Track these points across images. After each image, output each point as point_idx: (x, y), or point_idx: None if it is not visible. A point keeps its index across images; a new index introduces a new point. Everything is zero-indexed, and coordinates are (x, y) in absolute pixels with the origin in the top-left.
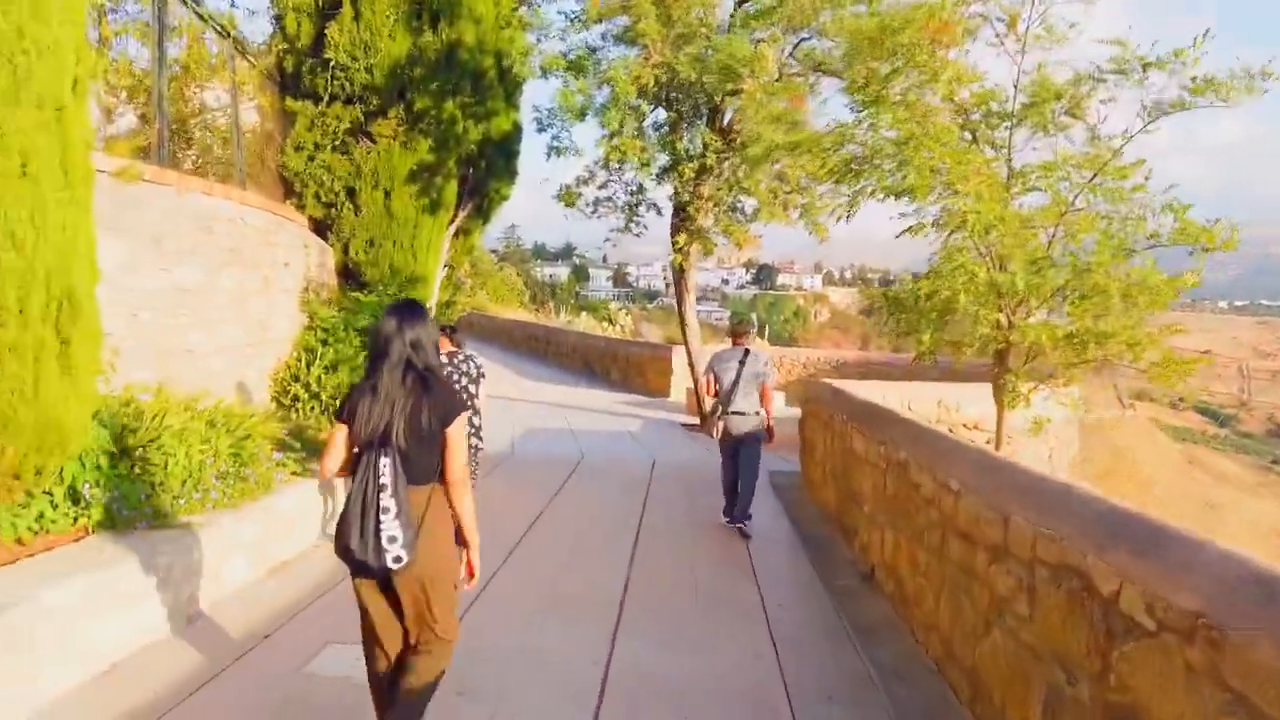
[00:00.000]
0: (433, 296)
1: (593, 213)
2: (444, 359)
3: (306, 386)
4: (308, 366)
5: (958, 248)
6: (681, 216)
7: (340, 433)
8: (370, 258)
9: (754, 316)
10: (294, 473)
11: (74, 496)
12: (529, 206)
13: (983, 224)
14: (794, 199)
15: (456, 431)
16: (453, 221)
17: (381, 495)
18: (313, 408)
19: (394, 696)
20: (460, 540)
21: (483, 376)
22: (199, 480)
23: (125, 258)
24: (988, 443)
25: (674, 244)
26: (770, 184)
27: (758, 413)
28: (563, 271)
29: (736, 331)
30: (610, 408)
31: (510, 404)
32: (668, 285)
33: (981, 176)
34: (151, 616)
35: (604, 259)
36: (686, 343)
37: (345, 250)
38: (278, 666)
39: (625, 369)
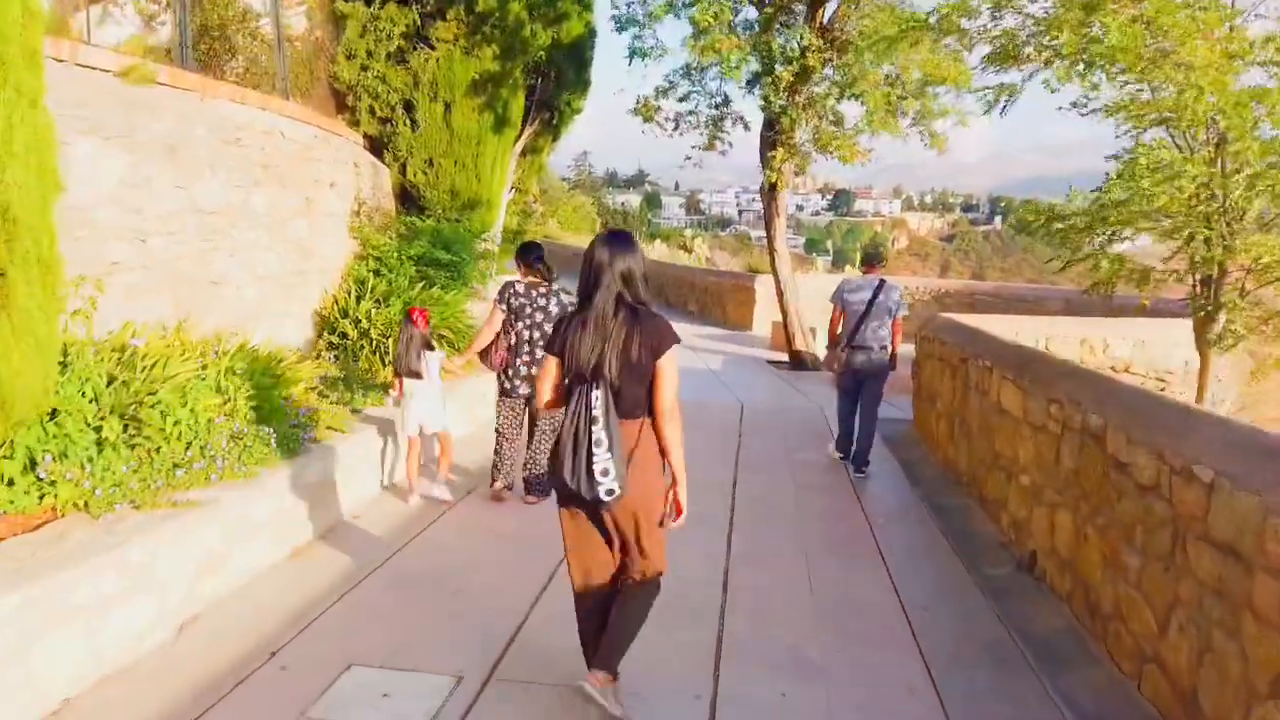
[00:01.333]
0: (498, 222)
1: (674, 129)
2: (522, 289)
3: (356, 323)
4: (357, 300)
5: (1158, 143)
6: (775, 129)
7: (552, 364)
8: (429, 179)
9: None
10: (329, 427)
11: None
12: (600, 132)
13: (1217, 105)
14: (909, 104)
15: (668, 364)
16: (519, 138)
17: (594, 428)
18: (362, 347)
19: (605, 623)
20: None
21: None
22: (205, 445)
23: (131, 172)
24: (1153, 386)
25: (767, 160)
26: (881, 89)
27: (884, 348)
28: (634, 199)
29: (871, 259)
30: (689, 341)
31: None
32: (741, 213)
33: (1213, 42)
34: (118, 631)
35: (676, 186)
36: (775, 271)
37: (402, 170)
38: (283, 703)
39: (704, 300)
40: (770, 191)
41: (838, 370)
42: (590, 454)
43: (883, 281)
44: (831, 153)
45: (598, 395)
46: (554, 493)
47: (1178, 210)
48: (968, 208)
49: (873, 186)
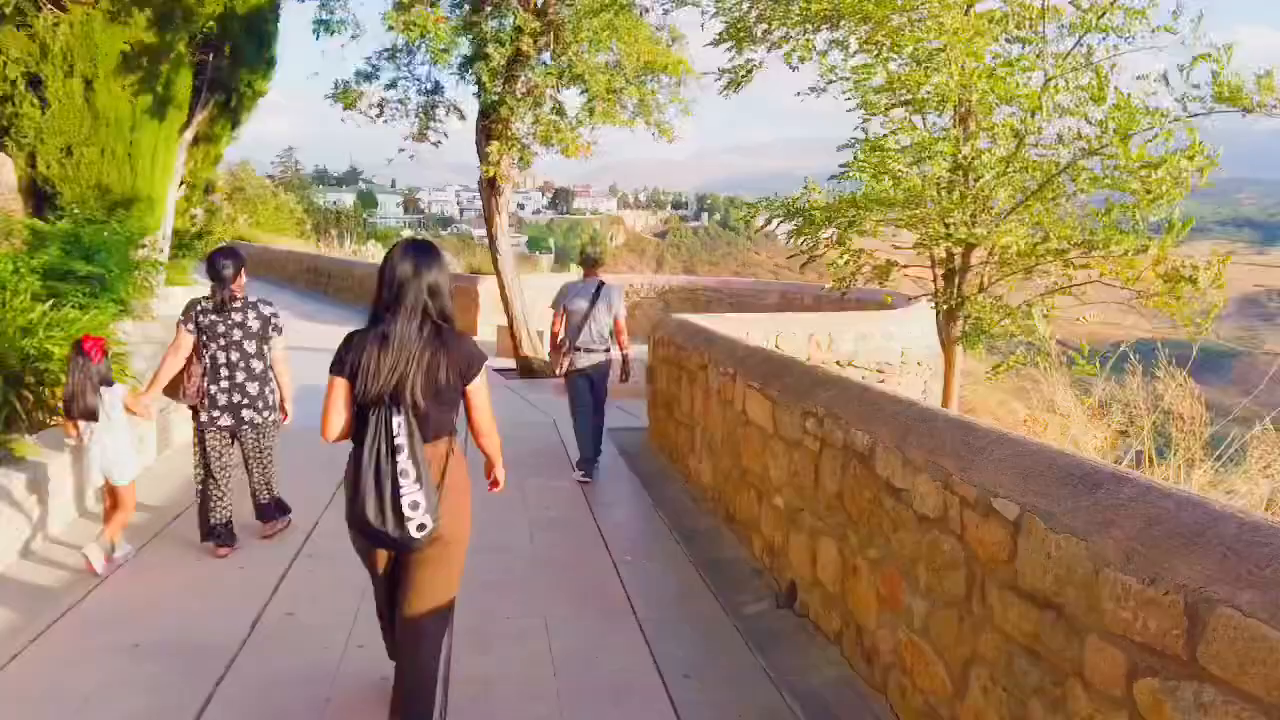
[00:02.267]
0: (164, 223)
1: (379, 116)
2: (212, 305)
3: None
4: None
5: (905, 125)
6: (491, 119)
7: (341, 387)
8: (67, 171)
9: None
10: None
11: None
12: (308, 127)
13: (969, 76)
14: (631, 92)
15: (481, 387)
16: (188, 124)
17: (398, 457)
18: None
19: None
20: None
21: (277, 329)
22: None
23: None
24: (873, 377)
25: (484, 153)
26: (601, 75)
27: (607, 350)
28: (348, 198)
29: (589, 261)
30: None
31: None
32: (462, 211)
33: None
34: None
35: (393, 184)
36: (499, 272)
37: (30, 162)
38: None
39: None
40: (490, 187)
41: (563, 374)
42: (397, 487)
43: (602, 283)
44: (553, 145)
45: (399, 421)
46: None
47: (925, 196)
48: (678, 205)
49: (590, 185)
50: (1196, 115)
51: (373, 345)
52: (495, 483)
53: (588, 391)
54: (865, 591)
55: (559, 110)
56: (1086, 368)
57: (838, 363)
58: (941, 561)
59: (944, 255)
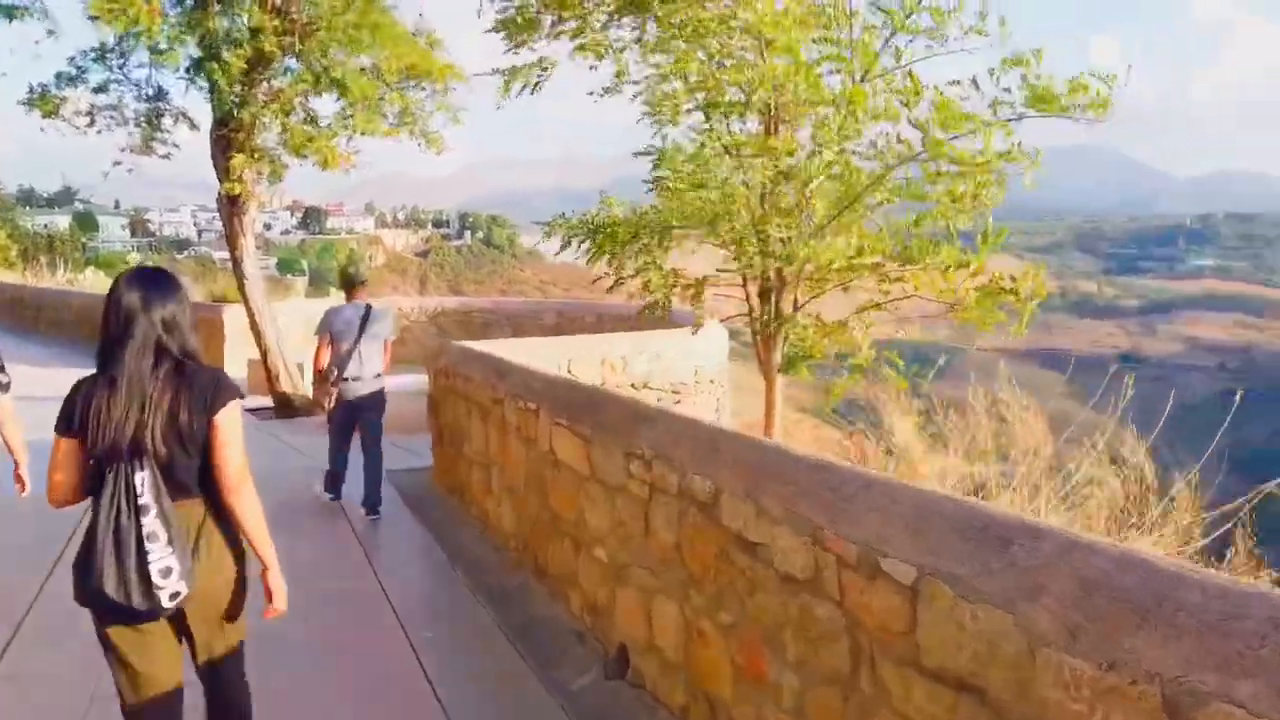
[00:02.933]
0: None
1: (89, 125)
2: None
3: None
4: None
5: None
6: (229, 128)
7: (66, 447)
8: None
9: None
10: None
11: None
12: (9, 144)
13: (784, 74)
14: (394, 99)
15: (229, 424)
16: None
17: (143, 518)
18: None
19: None
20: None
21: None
22: None
23: None
24: (662, 400)
25: (223, 169)
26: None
27: (378, 376)
28: (63, 220)
29: (351, 282)
30: None
31: None
32: (201, 233)
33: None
34: None
35: (116, 205)
36: (246, 299)
37: None
38: None
39: None
40: (231, 205)
41: (330, 406)
42: (144, 552)
43: (370, 306)
44: (308, 156)
45: (143, 476)
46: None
47: (739, 208)
48: (439, 224)
49: (344, 203)
50: (1009, 120)
51: (102, 392)
52: (270, 594)
53: (351, 426)
54: (717, 659)
55: (311, 119)
56: (899, 380)
57: (633, 385)
58: (817, 631)
59: (758, 272)
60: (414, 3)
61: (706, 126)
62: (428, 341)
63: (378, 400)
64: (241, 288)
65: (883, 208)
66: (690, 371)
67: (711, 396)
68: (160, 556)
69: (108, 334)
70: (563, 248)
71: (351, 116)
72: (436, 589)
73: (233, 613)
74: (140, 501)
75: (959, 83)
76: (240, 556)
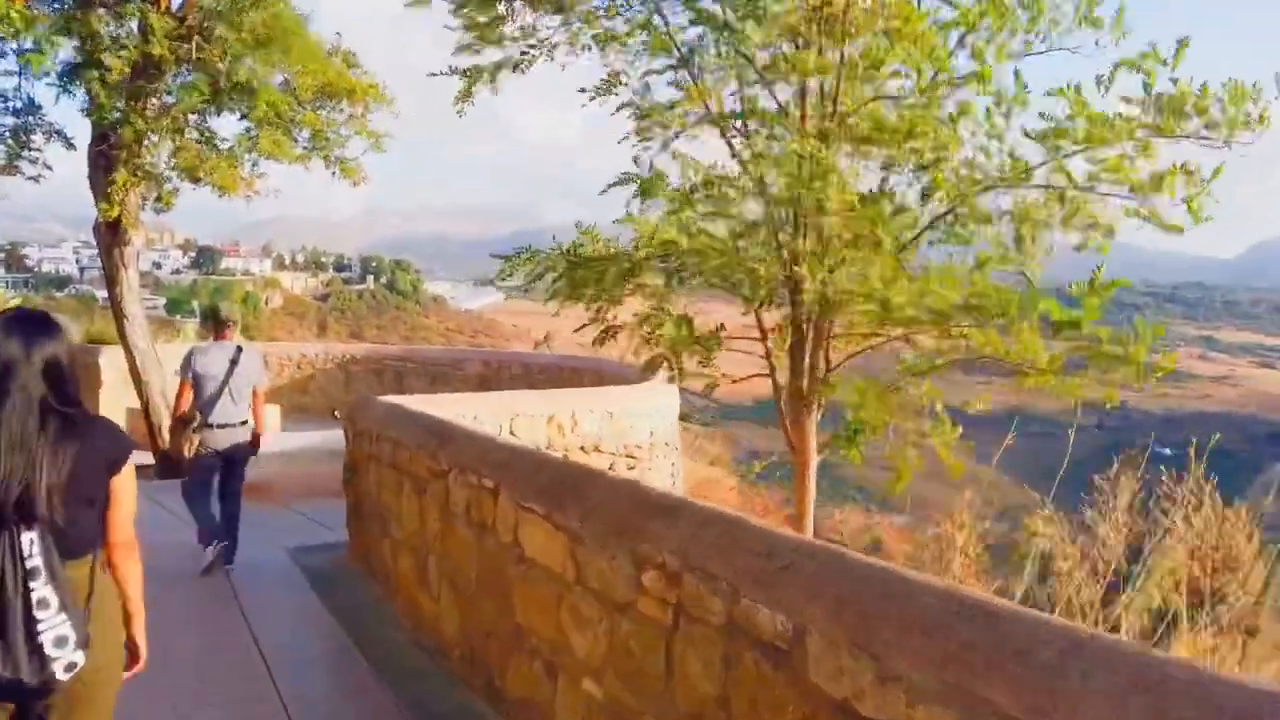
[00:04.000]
0: None
1: None
2: None
3: None
4: None
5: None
6: (110, 144)
7: None
8: None
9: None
10: None
11: None
12: None
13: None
14: (308, 119)
15: (127, 481)
16: None
17: (32, 584)
18: None
19: None
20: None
21: None
22: None
23: None
24: (614, 466)
25: (101, 191)
26: (270, 94)
27: (245, 424)
28: None
29: (220, 322)
30: None
31: None
32: (83, 270)
33: None
34: None
35: None
36: (126, 340)
37: None
38: None
39: None
40: (111, 233)
41: (193, 454)
42: (33, 622)
43: (239, 348)
44: (203, 180)
45: (31, 539)
46: None
47: (756, 241)
48: (340, 267)
49: (240, 243)
50: (1176, 137)
51: None
52: (135, 657)
53: (209, 482)
54: None
55: (208, 139)
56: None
57: (582, 448)
58: None
59: (786, 319)
60: (329, 24)
61: (736, 136)
62: (336, 393)
63: (245, 451)
64: (121, 329)
65: (921, 248)
66: (645, 432)
67: (666, 461)
68: (53, 625)
69: None
70: (528, 286)
71: (257, 136)
72: (357, 707)
73: (117, 684)
74: (29, 565)
75: (1070, 91)
76: (119, 610)
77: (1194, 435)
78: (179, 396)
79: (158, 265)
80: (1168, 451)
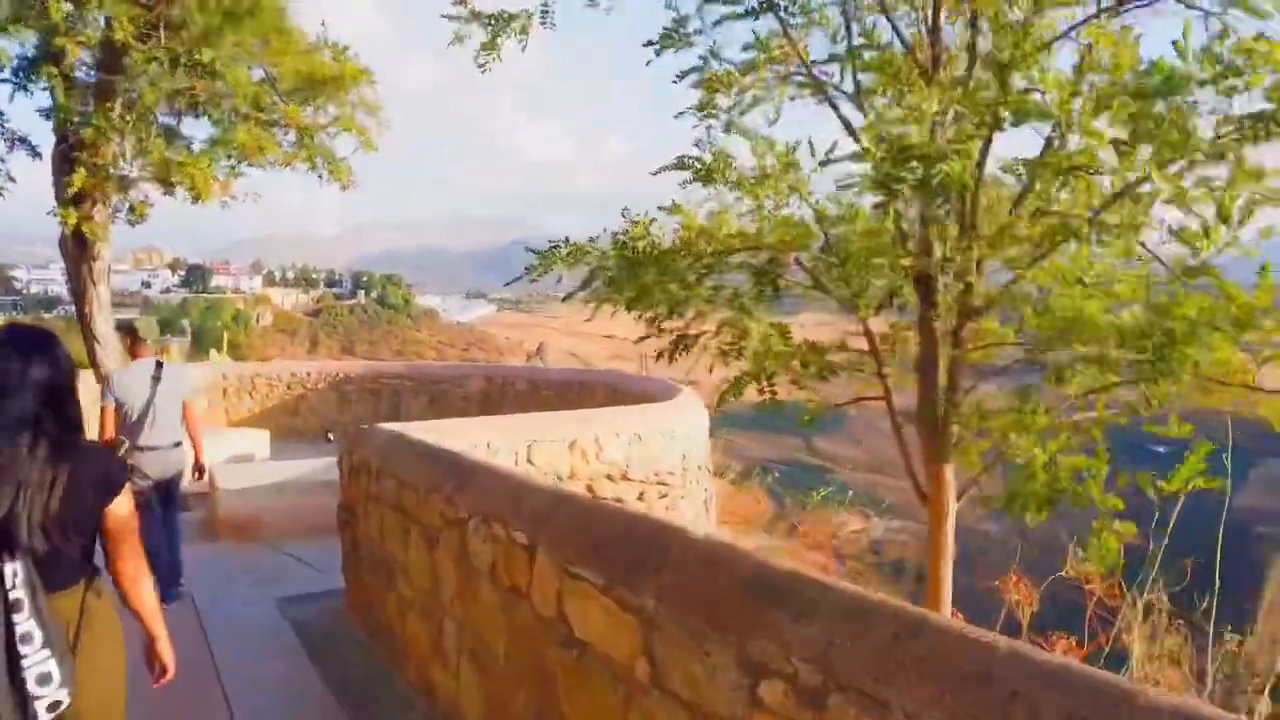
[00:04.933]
0: None
1: None
2: None
3: None
4: None
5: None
6: (70, 144)
7: None
8: None
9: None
10: None
11: None
12: None
13: None
14: (289, 115)
15: (123, 509)
16: None
17: (15, 617)
18: None
19: None
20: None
21: None
22: None
23: None
24: (645, 496)
25: (64, 194)
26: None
27: (178, 445)
28: None
29: (135, 339)
30: None
31: None
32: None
33: None
34: None
35: None
36: (95, 363)
37: None
38: None
39: None
40: (79, 246)
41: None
42: (15, 659)
43: (160, 364)
44: (178, 184)
45: (14, 570)
46: None
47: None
48: (331, 282)
49: (230, 262)
50: None
51: None
52: (163, 669)
53: (156, 503)
54: None
55: (171, 136)
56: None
57: (608, 477)
58: None
59: (895, 327)
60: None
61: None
62: (329, 414)
63: (179, 469)
64: (91, 351)
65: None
66: (677, 456)
67: (699, 487)
68: (36, 661)
69: None
70: (583, 287)
71: (233, 131)
72: None
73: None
74: (11, 597)
75: None
76: (119, 643)
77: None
78: (102, 424)
79: (147, 284)
80: (1161, 450)
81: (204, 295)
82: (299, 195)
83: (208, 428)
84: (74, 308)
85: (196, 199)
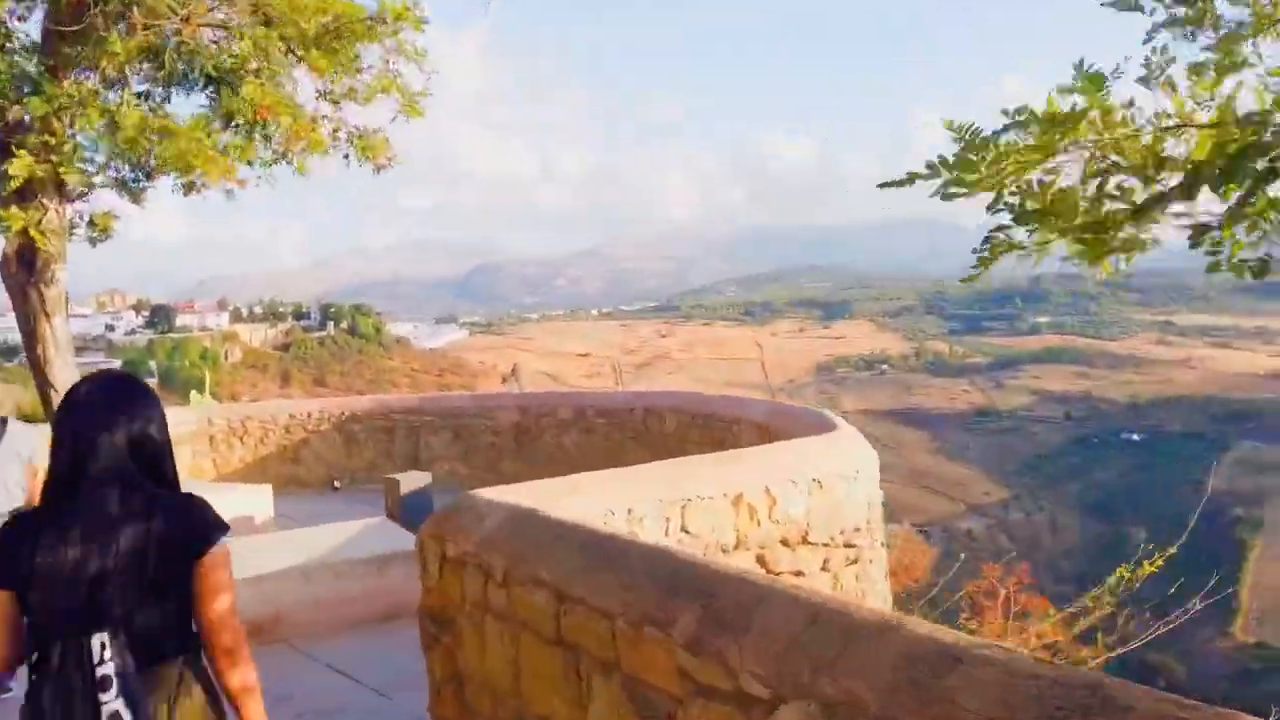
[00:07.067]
0: None
1: None
2: None
3: None
4: None
5: None
6: (9, 123)
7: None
8: None
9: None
10: None
11: None
12: None
13: None
14: (320, 64)
15: (219, 566)
16: None
17: (103, 694)
18: None
19: None
20: None
21: None
22: None
23: None
24: (841, 558)
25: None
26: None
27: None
28: None
29: None
30: None
31: None
32: None
33: None
34: None
35: None
36: (51, 417)
37: None
38: None
39: None
40: (24, 267)
41: None
42: None
43: (4, 420)
44: (161, 167)
45: (102, 640)
46: None
47: None
48: (299, 315)
49: (195, 300)
50: None
51: (49, 539)
52: None
53: None
54: None
55: (156, 109)
56: None
57: (784, 541)
58: None
59: None
60: None
61: None
62: (336, 459)
63: None
64: (45, 399)
65: None
66: (863, 507)
67: (879, 546)
68: None
69: (57, 469)
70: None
71: (237, 89)
72: None
73: None
74: (100, 673)
75: None
76: None
77: (1159, 421)
78: None
79: (110, 328)
80: (1136, 437)
81: (170, 335)
82: (263, 229)
83: (194, 484)
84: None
85: (191, 184)
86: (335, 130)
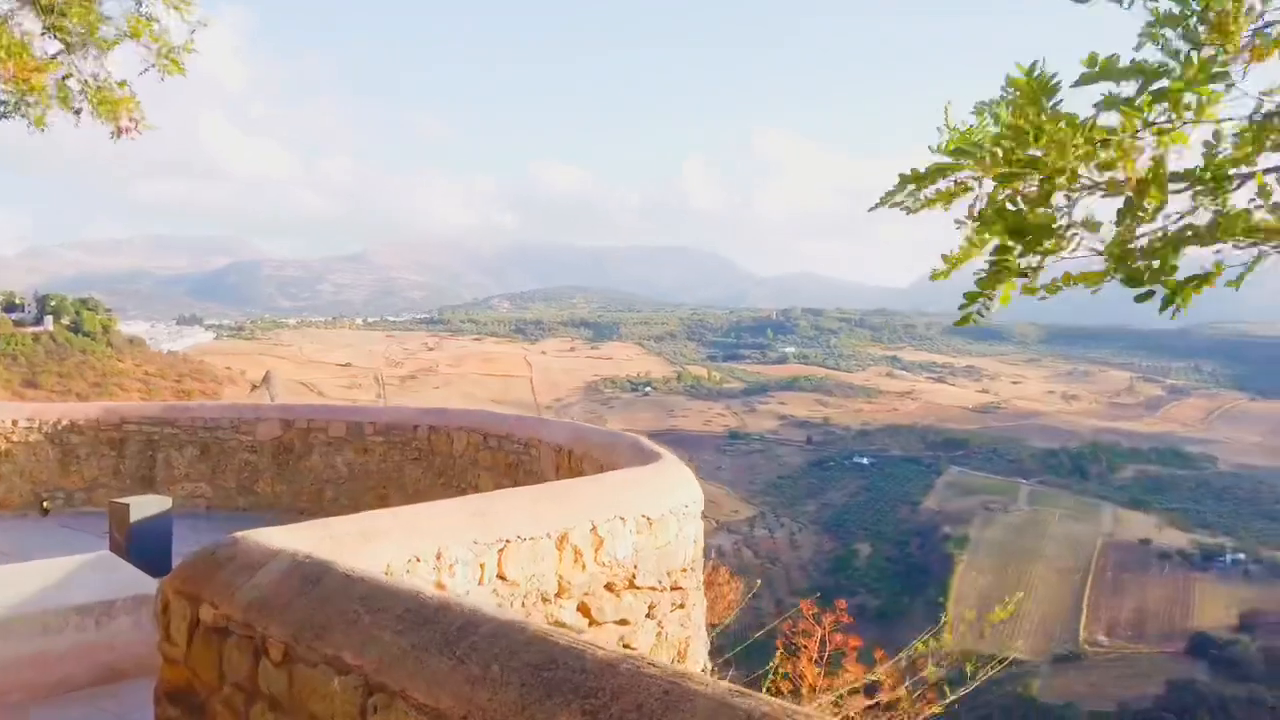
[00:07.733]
0: None
1: None
2: None
3: None
4: None
5: None
6: None
7: None
8: None
9: None
10: None
11: None
12: None
13: None
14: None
15: None
16: None
17: None
18: None
19: None
20: None
21: None
22: None
23: None
24: (668, 601)
25: None
26: None
27: None
28: None
29: None
30: None
31: None
32: None
33: None
34: None
35: None
36: None
37: None
38: None
39: None
40: None
41: None
42: None
43: None
44: None
45: None
46: None
47: None
48: (10, 307)
49: None
50: None
51: None
52: None
53: None
54: None
55: None
56: None
57: (609, 586)
58: None
59: None
60: None
61: None
62: (47, 476)
63: None
64: None
65: None
66: (690, 545)
67: (699, 589)
68: None
69: None
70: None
71: None
72: None
73: None
74: None
75: None
76: None
77: (887, 446)
78: None
79: None
80: (865, 461)
81: None
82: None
83: None
84: None
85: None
86: (65, 78)
